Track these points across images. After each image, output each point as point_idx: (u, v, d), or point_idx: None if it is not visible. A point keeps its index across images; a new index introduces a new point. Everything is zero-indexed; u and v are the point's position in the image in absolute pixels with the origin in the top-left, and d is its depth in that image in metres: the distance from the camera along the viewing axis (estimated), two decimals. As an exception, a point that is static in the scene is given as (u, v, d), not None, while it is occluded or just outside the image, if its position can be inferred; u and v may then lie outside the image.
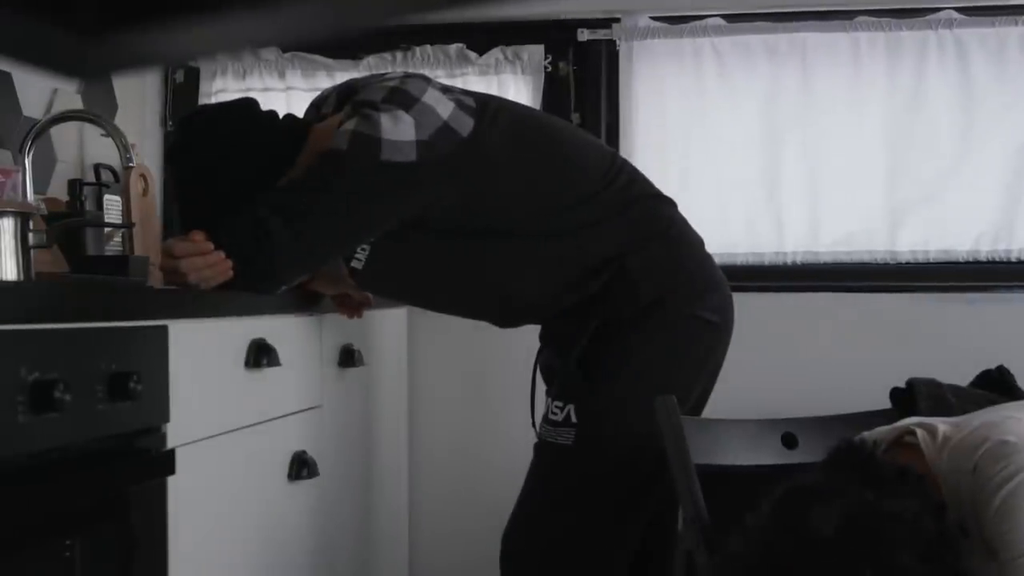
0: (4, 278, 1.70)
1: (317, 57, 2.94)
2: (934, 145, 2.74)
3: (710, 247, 2.14)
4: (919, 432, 1.65)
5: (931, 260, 2.73)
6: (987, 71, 2.72)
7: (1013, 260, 2.70)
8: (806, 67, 2.79)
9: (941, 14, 2.73)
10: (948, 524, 1.53)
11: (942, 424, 1.65)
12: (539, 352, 2.20)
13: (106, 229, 2.26)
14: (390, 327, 2.66)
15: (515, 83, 2.88)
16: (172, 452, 1.49)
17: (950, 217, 2.73)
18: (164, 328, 1.51)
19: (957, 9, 2.72)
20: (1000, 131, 2.72)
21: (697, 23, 2.82)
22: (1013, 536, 1.52)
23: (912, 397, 1.97)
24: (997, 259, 2.71)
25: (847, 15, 2.77)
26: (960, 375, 2.06)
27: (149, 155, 2.86)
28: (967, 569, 1.51)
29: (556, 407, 2.03)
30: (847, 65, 2.78)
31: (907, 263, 2.73)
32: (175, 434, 1.52)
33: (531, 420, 2.15)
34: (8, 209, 1.75)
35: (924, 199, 2.74)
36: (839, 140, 2.77)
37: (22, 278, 1.71)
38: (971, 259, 2.72)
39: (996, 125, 2.72)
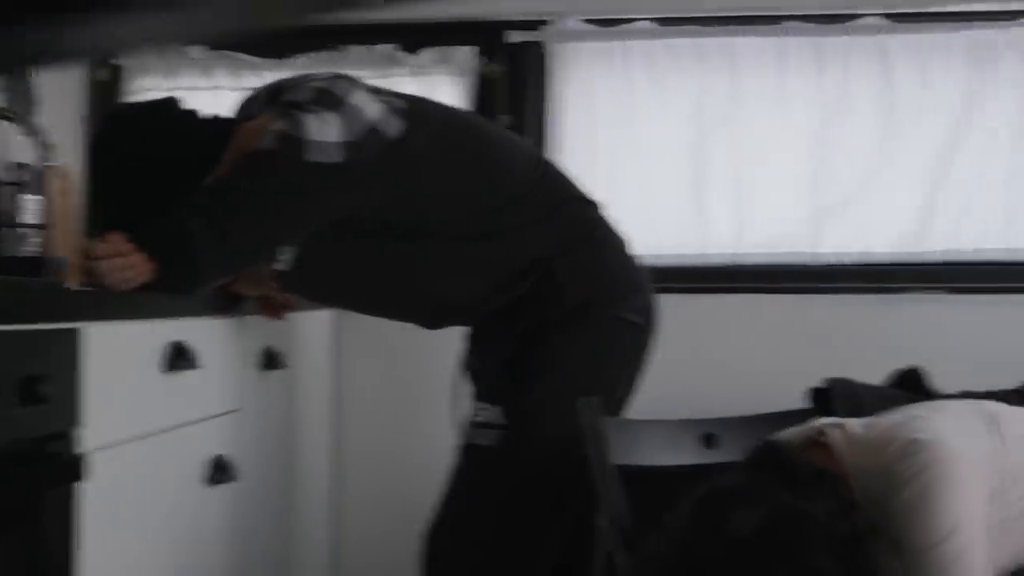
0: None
1: (244, 56, 2.91)
2: (857, 150, 2.77)
3: (636, 248, 2.15)
4: (833, 432, 1.67)
5: (852, 262, 2.77)
6: (909, 77, 2.76)
7: (932, 262, 2.75)
8: (734, 71, 2.81)
9: (866, 20, 2.77)
10: (861, 524, 1.55)
11: (855, 424, 1.68)
12: (465, 354, 2.19)
13: (22, 230, 2.22)
14: (314, 329, 2.64)
15: (446, 84, 2.87)
16: (85, 457, 1.46)
17: (871, 220, 2.76)
18: (78, 331, 1.48)
19: (882, 15, 2.76)
20: (920, 137, 2.76)
21: (627, 26, 2.83)
22: (920, 530, 1.56)
23: (829, 397, 2.00)
24: (915, 262, 2.75)
25: (774, 20, 2.79)
26: (877, 375, 2.10)
27: (70, 154, 2.81)
28: (878, 568, 1.53)
29: (481, 409, 2.03)
30: (774, 69, 2.80)
31: (829, 265, 2.77)
32: (89, 438, 1.49)
33: (456, 421, 2.14)
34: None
35: (846, 202, 2.78)
36: (765, 144, 2.80)
37: (-68, 279, 1.68)
38: (890, 261, 2.76)
39: (916, 131, 2.76)
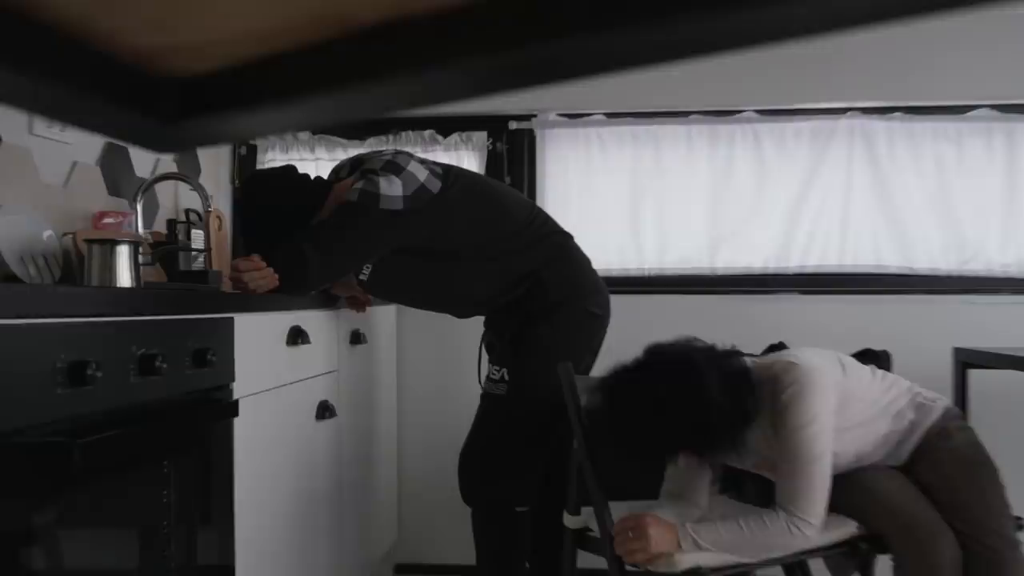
0: (122, 285, 1.66)
1: (335, 138, 2.91)
2: (739, 199, 2.77)
3: (595, 264, 2.16)
4: None
5: (737, 273, 2.76)
6: (773, 152, 2.77)
7: (790, 273, 2.75)
8: (657, 148, 2.81)
9: (744, 114, 2.77)
10: (748, 372, 1.56)
11: (749, 358, 1.70)
12: (484, 334, 2.20)
13: (192, 253, 2.22)
14: (384, 317, 2.65)
15: (468, 156, 2.88)
16: (236, 402, 1.47)
17: (749, 245, 2.76)
18: (231, 319, 1.49)
19: (755, 111, 2.77)
20: (780, 190, 2.76)
21: (587, 118, 2.83)
22: (792, 416, 1.59)
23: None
24: (779, 273, 2.76)
25: (683, 115, 2.80)
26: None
27: (222, 203, 2.82)
28: (755, 408, 1.54)
29: (495, 370, 2.04)
30: (684, 147, 2.80)
31: (722, 275, 2.77)
32: (239, 389, 1.50)
33: (478, 379, 2.15)
34: (125, 239, 1.71)
35: (732, 234, 2.78)
36: (678, 195, 2.80)
37: (134, 285, 1.68)
38: (763, 273, 2.76)
39: (777, 186, 2.76)
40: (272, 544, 1.67)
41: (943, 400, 1.80)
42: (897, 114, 2.72)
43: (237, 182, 2.91)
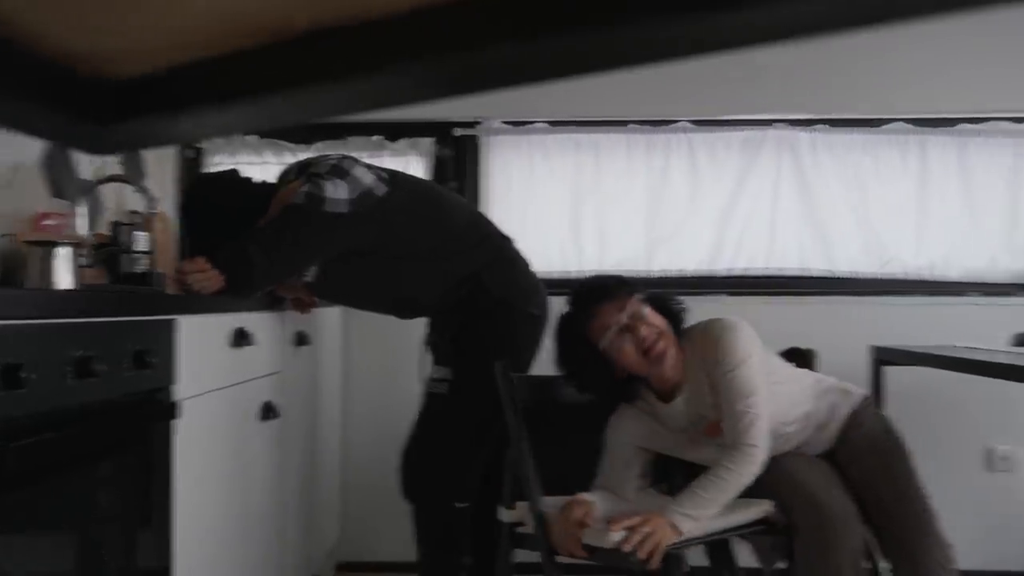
0: (62, 287, 1.61)
1: (283, 142, 2.86)
2: (674, 204, 2.82)
3: (537, 266, 2.16)
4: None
5: (673, 275, 2.81)
6: (706, 160, 2.82)
7: (720, 276, 2.81)
8: (598, 155, 2.84)
9: (680, 124, 2.82)
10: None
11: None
12: (427, 334, 2.19)
13: (135, 255, 2.15)
14: (329, 319, 2.61)
15: (415, 161, 2.86)
16: (175, 403, 1.44)
17: (685, 249, 2.81)
18: (173, 320, 1.45)
19: (690, 121, 2.82)
20: (711, 197, 2.82)
21: (530, 126, 2.85)
22: (724, 360, 1.68)
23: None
24: (712, 275, 2.81)
25: (622, 124, 2.84)
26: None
27: (167, 205, 2.74)
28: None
29: (437, 370, 2.03)
30: (623, 155, 2.84)
31: (659, 277, 2.81)
32: (182, 391, 1.47)
33: (421, 378, 2.13)
34: (67, 241, 1.65)
35: (669, 238, 2.82)
36: (617, 200, 2.83)
37: (74, 287, 1.62)
38: (697, 275, 2.81)
39: (710, 193, 2.82)
40: (212, 545, 1.63)
41: (862, 390, 1.87)
42: (820, 126, 2.80)
43: (183, 185, 2.84)
